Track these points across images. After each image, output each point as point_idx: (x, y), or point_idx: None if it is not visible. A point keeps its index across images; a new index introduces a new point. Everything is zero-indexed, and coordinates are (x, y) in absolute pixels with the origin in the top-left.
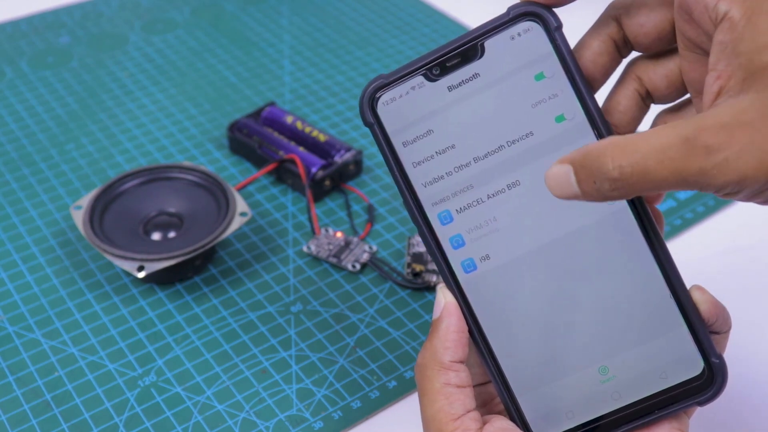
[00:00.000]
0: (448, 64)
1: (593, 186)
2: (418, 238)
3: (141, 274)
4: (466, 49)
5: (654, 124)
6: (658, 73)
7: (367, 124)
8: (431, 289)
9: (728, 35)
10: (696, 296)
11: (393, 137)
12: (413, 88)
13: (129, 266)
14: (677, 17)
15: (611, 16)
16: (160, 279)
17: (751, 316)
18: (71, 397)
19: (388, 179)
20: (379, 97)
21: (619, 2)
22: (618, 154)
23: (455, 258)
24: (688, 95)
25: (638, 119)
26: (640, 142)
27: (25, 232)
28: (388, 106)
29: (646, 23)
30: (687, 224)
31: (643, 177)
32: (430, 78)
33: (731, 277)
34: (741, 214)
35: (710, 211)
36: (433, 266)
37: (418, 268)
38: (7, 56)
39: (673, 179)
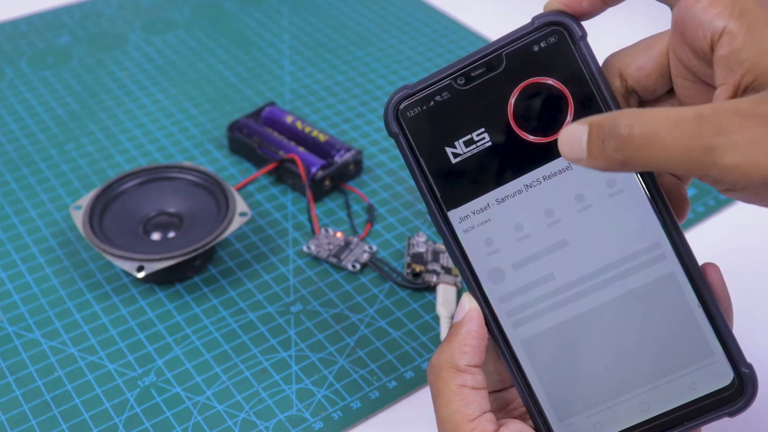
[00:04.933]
0: (473, 74)
1: (600, 146)
2: (417, 239)
3: (141, 274)
4: (492, 58)
5: None
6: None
7: (391, 134)
8: (431, 289)
9: (728, 48)
10: None
11: (417, 147)
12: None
13: (129, 266)
14: (672, 39)
15: (613, 73)
16: (160, 279)
17: (752, 318)
18: (71, 397)
19: (388, 179)
20: (404, 107)
21: (615, 55)
22: (633, 116)
23: (482, 272)
24: None
25: None
26: (657, 111)
27: (24, 232)
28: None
29: (645, 64)
30: (688, 225)
31: (652, 142)
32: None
33: (732, 279)
34: (742, 214)
35: (711, 211)
36: (432, 267)
37: (417, 268)
38: (7, 56)
39: (679, 151)
